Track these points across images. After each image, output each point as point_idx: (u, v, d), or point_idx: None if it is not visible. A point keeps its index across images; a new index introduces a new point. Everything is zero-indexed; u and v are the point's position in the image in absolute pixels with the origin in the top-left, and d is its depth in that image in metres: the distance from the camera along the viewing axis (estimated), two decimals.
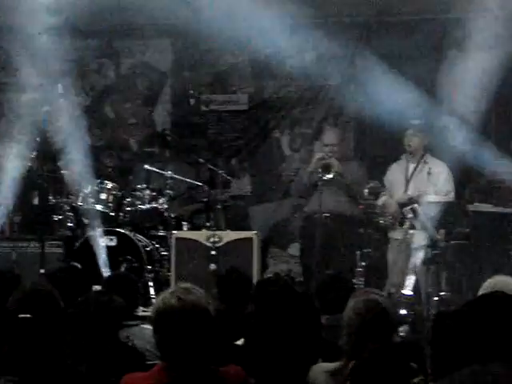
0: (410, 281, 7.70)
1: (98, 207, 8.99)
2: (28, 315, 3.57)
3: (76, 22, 9.17)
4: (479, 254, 7.90)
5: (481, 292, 4.24)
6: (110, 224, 8.98)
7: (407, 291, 7.62)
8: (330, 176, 8.67)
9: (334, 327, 4.66)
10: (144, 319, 5.19)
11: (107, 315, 4.23)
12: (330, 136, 9.11)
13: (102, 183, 9.18)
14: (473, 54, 7.92)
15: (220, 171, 9.19)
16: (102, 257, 8.43)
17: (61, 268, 5.75)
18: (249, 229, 9.65)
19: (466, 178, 8.93)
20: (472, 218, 8.01)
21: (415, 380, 3.52)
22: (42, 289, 3.72)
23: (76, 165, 8.73)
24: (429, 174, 8.29)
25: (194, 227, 9.30)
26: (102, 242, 8.64)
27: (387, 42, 9.70)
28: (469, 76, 7.90)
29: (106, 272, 8.14)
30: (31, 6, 8.30)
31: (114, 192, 9.18)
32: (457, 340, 2.93)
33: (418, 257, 7.79)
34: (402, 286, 7.70)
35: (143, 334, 4.78)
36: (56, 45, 8.43)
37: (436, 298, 7.58)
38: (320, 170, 8.69)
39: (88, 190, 8.95)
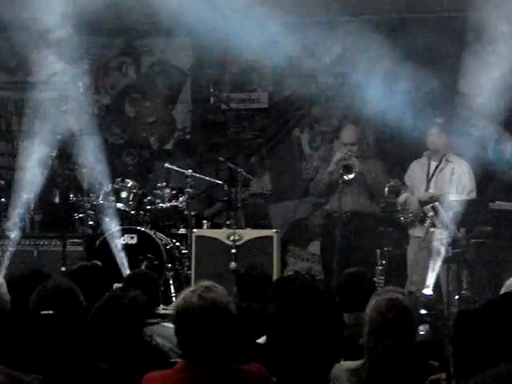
0: (431, 280, 7.67)
1: (119, 205, 9.02)
2: (50, 311, 3.58)
3: (97, 20, 9.20)
4: (501, 253, 7.86)
5: (503, 290, 4.22)
6: (130, 222, 9.00)
7: (427, 291, 7.59)
8: (352, 176, 8.65)
9: (355, 325, 4.65)
10: (164, 317, 5.20)
11: (131, 311, 4.23)
12: (348, 135, 9.07)
13: (122, 181, 9.21)
14: (496, 50, 7.86)
15: (240, 169, 9.19)
16: (122, 255, 8.44)
17: (82, 266, 5.75)
18: (269, 227, 9.64)
19: (489, 176, 8.88)
20: (493, 217, 7.97)
21: (435, 377, 3.52)
22: (64, 286, 3.73)
23: (96, 163, 8.75)
24: (452, 173, 8.27)
25: (214, 225, 9.31)
26: (122, 241, 8.67)
27: (411, 38, 9.66)
28: (492, 71, 7.84)
29: (125, 270, 8.16)
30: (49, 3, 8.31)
31: (135, 190, 9.20)
32: (479, 339, 2.91)
33: (439, 255, 7.76)
34: (422, 284, 7.68)
35: (164, 332, 4.78)
36: (76, 43, 8.45)
37: (457, 297, 7.56)
38: (341, 171, 8.66)
39: (108, 188, 8.98)
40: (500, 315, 2.98)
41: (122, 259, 8.38)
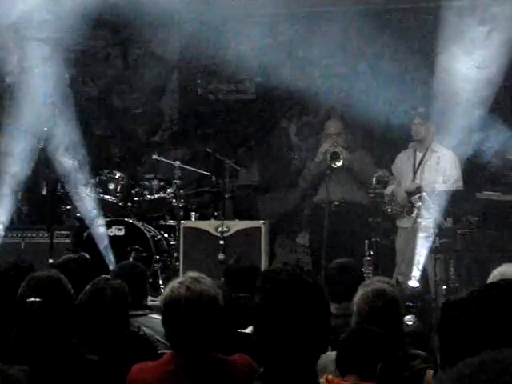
0: (417, 271, 7.69)
1: (106, 197, 9.01)
2: (37, 299, 3.57)
3: (83, 10, 9.13)
4: (488, 243, 7.88)
5: (490, 280, 4.23)
6: (118, 214, 8.99)
7: (413, 283, 7.60)
8: (340, 164, 8.68)
9: (343, 316, 4.67)
10: (152, 309, 5.20)
11: (115, 301, 4.24)
12: (333, 126, 9.11)
13: (110, 173, 9.19)
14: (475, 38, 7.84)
15: (228, 161, 9.19)
16: (109, 247, 8.43)
17: (69, 258, 5.75)
18: (257, 218, 9.65)
19: (476, 166, 8.90)
20: (481, 207, 7.99)
21: (421, 366, 3.55)
22: (53, 276, 3.73)
23: (83, 155, 8.73)
24: (437, 163, 8.29)
25: (203, 217, 9.31)
26: (109, 232, 8.67)
27: (395, 28, 9.67)
28: (472, 59, 7.83)
29: (111, 262, 8.16)
30: None
31: (122, 182, 9.20)
32: (464, 328, 2.92)
33: (426, 245, 7.79)
34: (409, 275, 7.70)
35: (152, 323, 4.79)
36: (63, 34, 8.41)
37: (445, 287, 7.58)
38: (329, 159, 8.69)
39: (96, 180, 8.97)
40: (486, 304, 2.99)
41: (108, 251, 8.37)
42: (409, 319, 5.33)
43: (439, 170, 8.30)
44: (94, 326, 4.13)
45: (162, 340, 4.37)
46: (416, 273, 7.62)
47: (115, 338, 4.08)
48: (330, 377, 3.48)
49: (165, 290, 3.53)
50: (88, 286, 4.26)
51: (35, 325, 3.59)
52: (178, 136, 10.69)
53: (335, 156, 8.70)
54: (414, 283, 7.55)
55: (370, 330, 3.78)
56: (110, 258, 8.26)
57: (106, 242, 8.46)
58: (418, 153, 8.53)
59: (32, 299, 3.59)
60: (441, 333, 3.00)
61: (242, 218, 9.26)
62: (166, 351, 3.75)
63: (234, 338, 4.11)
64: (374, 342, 3.67)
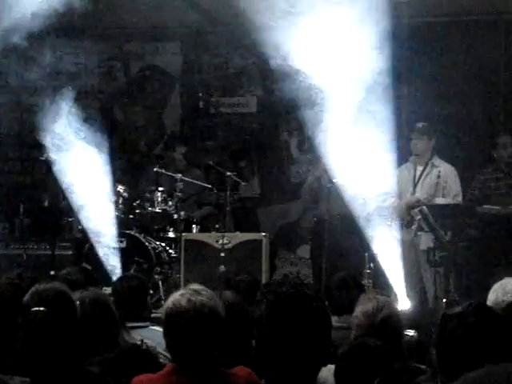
0: (409, 289, 7.59)
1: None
2: (41, 308, 3.58)
3: (86, 24, 9.18)
4: (488, 256, 7.90)
5: (490, 294, 4.25)
6: (119, 226, 9.00)
7: (403, 304, 7.36)
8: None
9: (344, 328, 4.69)
10: (153, 321, 5.22)
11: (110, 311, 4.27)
12: None
13: (112, 185, 9.20)
14: None
15: (229, 173, 9.22)
16: (111, 259, 8.43)
17: (71, 270, 5.77)
18: (258, 231, 9.67)
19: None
20: (481, 220, 8.01)
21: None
22: (58, 289, 3.74)
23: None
24: (437, 176, 8.30)
25: (204, 229, 9.32)
26: (111, 244, 8.67)
27: None
28: None
29: (114, 274, 8.16)
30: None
31: (124, 194, 9.21)
32: (462, 341, 2.95)
33: (425, 259, 7.78)
34: (408, 288, 7.63)
35: (153, 335, 4.80)
36: (66, 47, 8.44)
37: (444, 301, 7.58)
38: (330, 174, 8.69)
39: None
40: (482, 318, 3.02)
41: (110, 264, 8.37)
42: (409, 332, 5.34)
43: (440, 185, 8.31)
44: (95, 338, 4.15)
45: (164, 353, 4.39)
46: (408, 292, 7.48)
47: (118, 351, 4.09)
48: None
49: (166, 302, 3.54)
50: (82, 299, 4.27)
51: (38, 335, 3.57)
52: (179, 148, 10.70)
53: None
54: (404, 305, 7.31)
55: (370, 343, 3.79)
56: (114, 270, 8.26)
57: (110, 254, 8.45)
58: (418, 166, 8.54)
59: (36, 308, 3.60)
60: (439, 346, 3.02)
61: (242, 230, 9.27)
62: (167, 363, 3.75)
63: (236, 350, 4.13)
64: (372, 356, 3.67)
